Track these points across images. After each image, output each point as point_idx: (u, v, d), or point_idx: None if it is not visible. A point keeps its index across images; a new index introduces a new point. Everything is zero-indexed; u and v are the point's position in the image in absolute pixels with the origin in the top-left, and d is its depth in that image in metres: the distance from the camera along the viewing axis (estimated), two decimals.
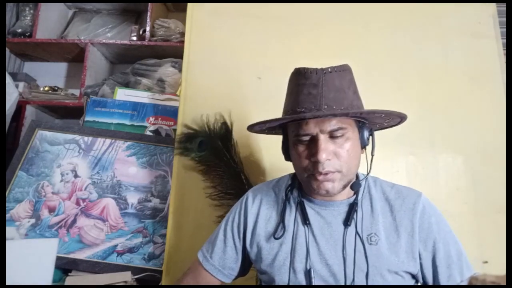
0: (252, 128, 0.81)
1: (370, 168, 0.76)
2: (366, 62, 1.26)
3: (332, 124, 0.70)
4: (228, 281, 0.84)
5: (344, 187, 0.73)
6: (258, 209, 0.83)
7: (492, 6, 1.34)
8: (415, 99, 1.24)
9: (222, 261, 0.83)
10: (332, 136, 0.70)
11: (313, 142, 0.70)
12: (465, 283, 0.67)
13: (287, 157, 0.81)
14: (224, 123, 1.20)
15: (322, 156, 0.68)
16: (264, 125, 0.77)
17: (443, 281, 0.71)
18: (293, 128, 0.74)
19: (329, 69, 0.72)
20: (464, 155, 1.20)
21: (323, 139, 0.69)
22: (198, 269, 0.84)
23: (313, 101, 0.70)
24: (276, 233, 0.78)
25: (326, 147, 0.68)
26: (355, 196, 0.77)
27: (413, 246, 0.72)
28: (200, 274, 0.83)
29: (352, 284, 0.69)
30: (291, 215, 0.79)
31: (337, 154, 0.70)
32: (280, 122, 0.73)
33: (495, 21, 1.32)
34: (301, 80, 0.73)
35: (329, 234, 0.74)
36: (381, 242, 0.72)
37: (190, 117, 1.24)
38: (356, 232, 0.73)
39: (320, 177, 0.70)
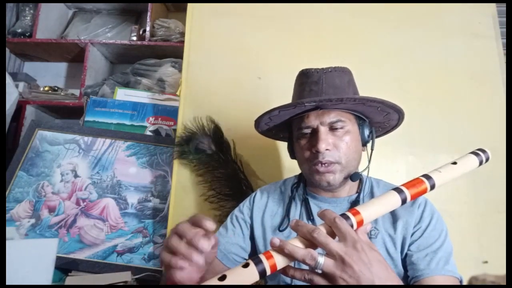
0: (259, 124, 0.84)
1: (370, 160, 0.80)
2: (366, 62, 1.26)
3: (331, 116, 0.74)
4: (232, 266, 0.85)
5: (345, 179, 0.76)
6: (266, 204, 0.87)
7: (492, 6, 1.34)
8: (415, 99, 1.24)
9: (229, 245, 0.83)
10: (332, 128, 0.74)
11: (314, 134, 0.75)
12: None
13: (292, 155, 0.85)
14: (216, 125, 1.21)
15: (322, 145, 0.71)
16: (269, 121, 0.82)
17: (413, 262, 0.70)
18: (296, 124, 0.79)
19: (329, 69, 0.78)
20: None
21: (323, 130, 0.73)
22: None
23: (314, 96, 0.75)
24: (281, 226, 0.81)
25: (325, 138, 0.73)
26: (357, 194, 0.81)
27: (406, 235, 0.73)
28: None
29: None
30: (296, 210, 0.83)
31: (336, 146, 0.73)
32: (280, 109, 0.76)
33: (495, 21, 1.32)
34: (303, 79, 0.79)
35: None
36: (380, 235, 0.74)
37: (190, 117, 1.24)
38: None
39: (322, 169, 0.73)
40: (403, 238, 0.73)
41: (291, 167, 1.18)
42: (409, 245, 0.72)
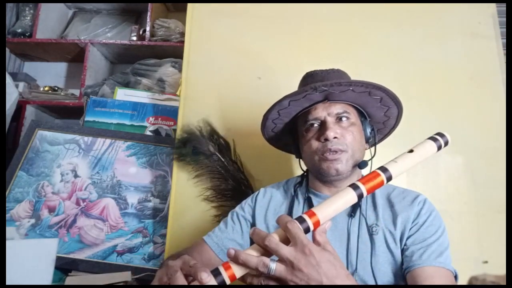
0: (265, 124, 0.87)
1: (375, 153, 0.84)
2: (366, 62, 1.26)
3: (338, 108, 0.79)
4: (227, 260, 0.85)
5: (353, 167, 0.78)
6: (268, 202, 0.89)
7: (492, 6, 1.34)
8: (415, 99, 1.24)
9: (226, 241, 0.84)
10: (338, 119, 0.79)
11: (322, 125, 0.79)
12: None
13: (298, 154, 0.87)
14: (211, 128, 1.21)
15: (331, 133, 0.75)
16: (278, 116, 0.84)
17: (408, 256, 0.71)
18: (302, 118, 0.82)
19: (333, 70, 0.83)
20: (464, 155, 1.20)
21: (330, 120, 0.78)
22: (203, 246, 0.84)
23: (320, 91, 0.77)
24: None
25: (334, 127, 0.76)
26: None
27: (404, 230, 0.74)
28: (203, 251, 0.84)
29: (355, 271, 0.72)
30: (298, 208, 0.84)
31: (343, 135, 0.77)
32: (291, 97, 0.78)
33: (495, 21, 1.32)
34: (309, 80, 0.83)
35: (334, 226, 0.78)
36: (381, 231, 0.76)
37: (190, 117, 1.24)
38: (365, 220, 0.78)
39: (330, 156, 0.76)
40: (401, 233, 0.75)
41: (292, 167, 1.18)
42: (406, 239, 0.74)
